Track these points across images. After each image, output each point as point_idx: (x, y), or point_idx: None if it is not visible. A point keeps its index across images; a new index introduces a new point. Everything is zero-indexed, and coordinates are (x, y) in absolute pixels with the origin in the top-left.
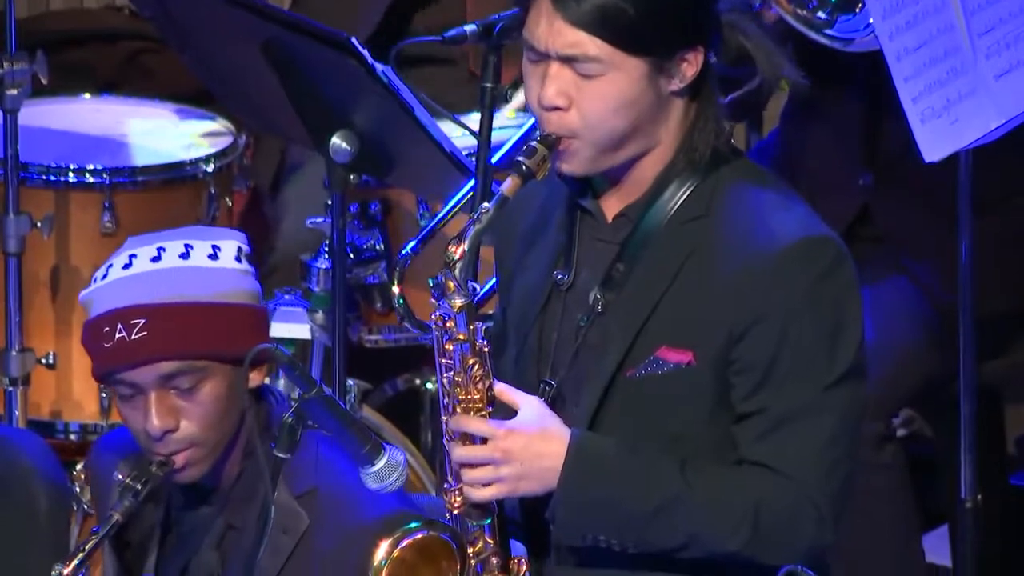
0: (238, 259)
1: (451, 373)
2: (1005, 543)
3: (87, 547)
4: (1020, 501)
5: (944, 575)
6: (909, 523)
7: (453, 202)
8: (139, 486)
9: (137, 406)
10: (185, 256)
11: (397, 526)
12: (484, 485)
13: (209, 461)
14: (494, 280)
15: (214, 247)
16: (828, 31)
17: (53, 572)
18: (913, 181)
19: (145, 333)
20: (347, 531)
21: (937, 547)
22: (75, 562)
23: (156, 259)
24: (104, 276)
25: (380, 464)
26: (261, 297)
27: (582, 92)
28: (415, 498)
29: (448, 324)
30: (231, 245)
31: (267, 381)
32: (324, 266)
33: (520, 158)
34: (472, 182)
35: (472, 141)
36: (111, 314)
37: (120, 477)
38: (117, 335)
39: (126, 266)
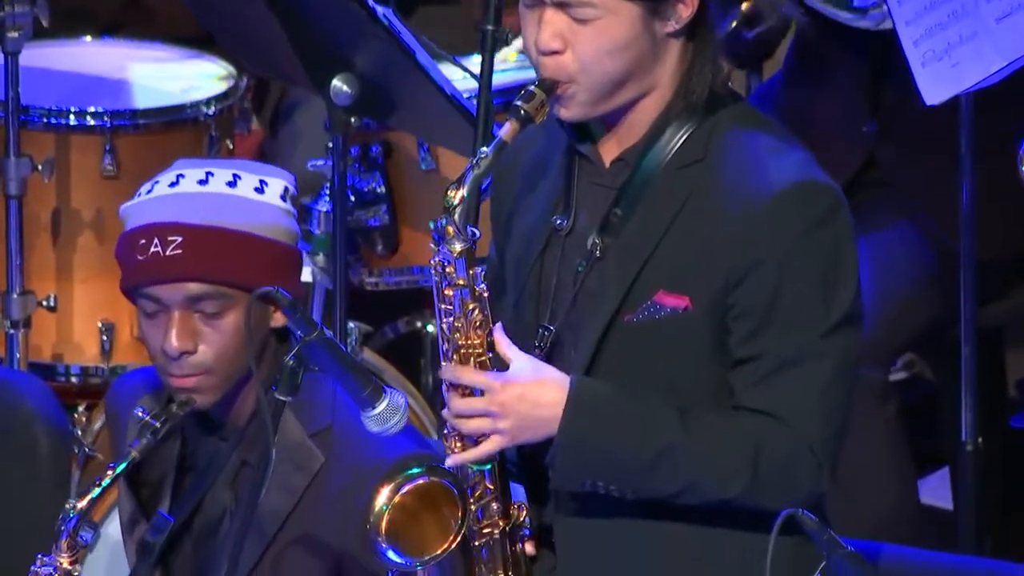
0: (283, 198)
1: (451, 319)
2: (1006, 485)
3: (102, 482)
4: (1020, 443)
5: (945, 518)
6: (905, 466)
7: None
8: (158, 424)
9: (159, 324)
10: (232, 184)
11: (410, 466)
12: (484, 437)
13: (219, 392)
14: None
15: (262, 182)
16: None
17: (67, 505)
18: (916, 126)
19: (180, 251)
20: (361, 469)
21: (938, 490)
22: (90, 497)
23: (203, 182)
24: (149, 191)
25: (381, 407)
26: (299, 240)
27: (577, 36)
28: (430, 441)
29: (448, 269)
30: (278, 183)
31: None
32: (325, 209)
33: (518, 103)
34: None
35: (473, 84)
36: (149, 228)
37: (140, 415)
38: (152, 249)
39: (172, 184)
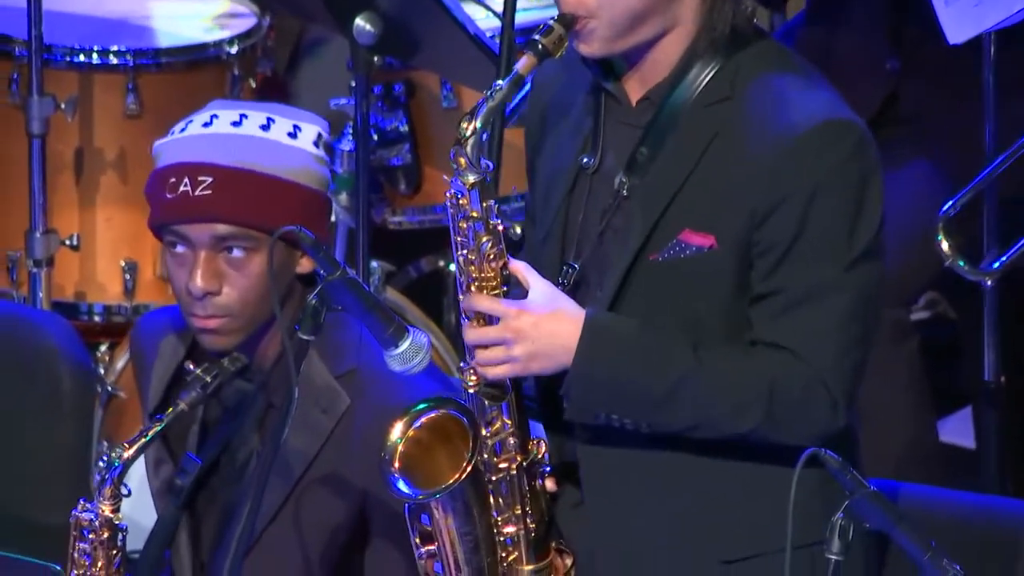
0: (316, 144)
1: (465, 251)
2: None
3: (150, 432)
4: None
5: (967, 457)
6: (925, 405)
7: None
8: (209, 379)
9: (185, 263)
10: (265, 128)
11: (410, 407)
12: (497, 364)
13: (241, 335)
14: None
15: (295, 127)
16: None
17: (113, 454)
18: (938, 63)
19: (210, 192)
20: (387, 411)
21: (960, 429)
22: (137, 446)
23: (237, 124)
24: (183, 130)
25: (404, 346)
26: (329, 187)
27: None
28: (453, 381)
29: (461, 201)
30: (312, 129)
31: None
32: (347, 148)
33: (536, 37)
34: None
35: (496, 22)
36: (181, 166)
37: (191, 368)
38: (182, 188)
39: (206, 124)
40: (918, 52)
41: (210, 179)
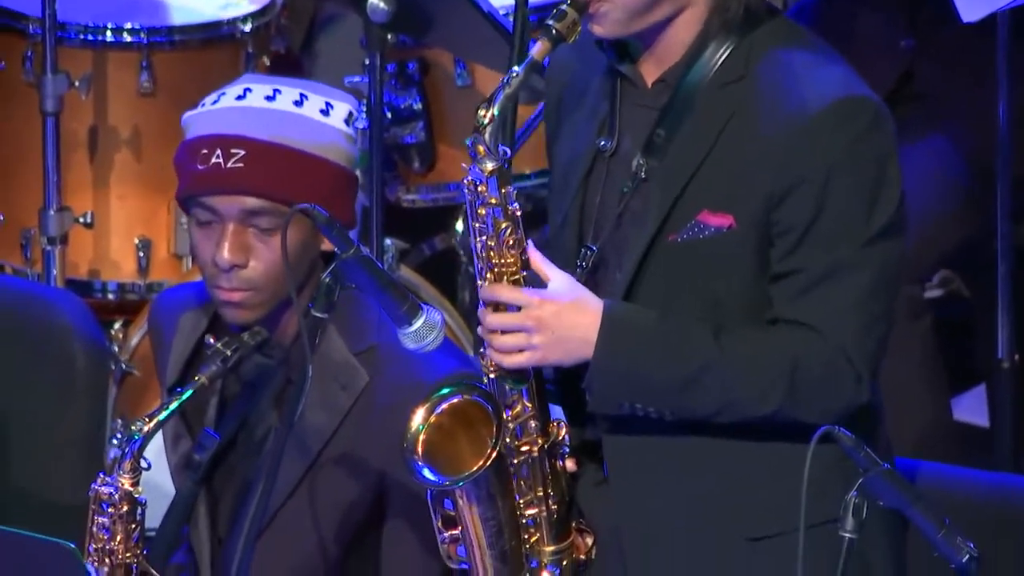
0: (346, 122)
1: (484, 237)
2: None
3: (169, 406)
4: None
5: (981, 435)
6: (938, 383)
7: None
8: (229, 352)
9: (211, 235)
10: (299, 104)
11: (432, 393)
12: (515, 352)
13: (263, 309)
14: None
15: (327, 104)
16: None
17: (134, 428)
18: (954, 46)
19: (241, 165)
20: (405, 387)
21: (974, 407)
22: (157, 420)
23: (271, 98)
24: (215, 102)
25: (418, 324)
26: (357, 166)
27: None
28: (472, 359)
29: (480, 188)
30: (344, 107)
31: None
32: (361, 125)
33: (550, 22)
34: None
35: (509, 1)
36: (213, 138)
37: (212, 341)
38: (213, 159)
39: (239, 97)
40: (933, 33)
41: (243, 152)
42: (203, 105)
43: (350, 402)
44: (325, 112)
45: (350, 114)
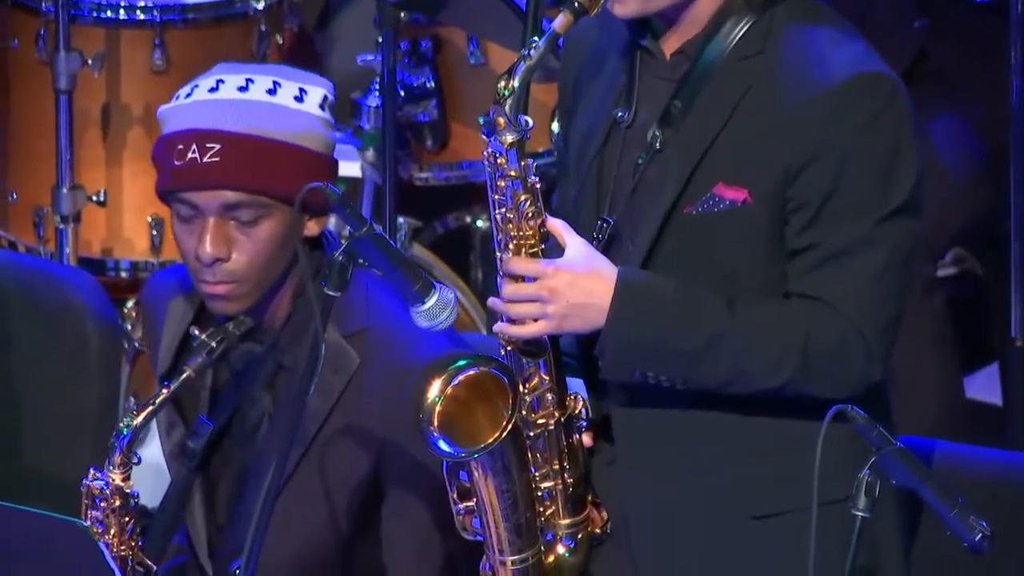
0: (322, 107)
1: (503, 210)
2: None
3: (157, 400)
4: None
5: (993, 414)
6: (950, 361)
7: None
8: (214, 344)
9: (193, 229)
10: (272, 92)
11: (448, 365)
12: (531, 322)
13: (249, 300)
14: None
15: (301, 90)
16: None
17: (122, 423)
18: (967, 28)
19: (218, 159)
20: (398, 370)
21: (987, 386)
22: (146, 413)
23: (243, 89)
24: (188, 95)
25: (431, 302)
26: (335, 150)
27: None
28: (465, 337)
29: (500, 160)
30: (318, 92)
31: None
32: (374, 104)
33: None
34: None
35: None
36: (188, 133)
37: (197, 333)
38: (190, 155)
39: (212, 89)
40: (947, 13)
41: (218, 146)
42: (177, 98)
43: (342, 385)
44: (299, 99)
45: (324, 98)
